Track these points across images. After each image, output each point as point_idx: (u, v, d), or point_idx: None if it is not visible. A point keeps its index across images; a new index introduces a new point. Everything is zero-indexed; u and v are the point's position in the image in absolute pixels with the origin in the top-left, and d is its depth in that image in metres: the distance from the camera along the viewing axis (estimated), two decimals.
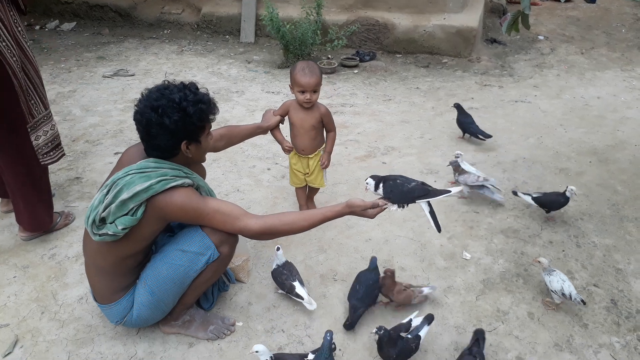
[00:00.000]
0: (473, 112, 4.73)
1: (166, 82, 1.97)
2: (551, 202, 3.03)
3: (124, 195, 1.78)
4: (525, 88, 5.45)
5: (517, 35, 7.00)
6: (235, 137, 2.65)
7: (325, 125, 2.86)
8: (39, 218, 2.79)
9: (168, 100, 1.85)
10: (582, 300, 2.31)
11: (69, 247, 2.80)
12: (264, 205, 3.23)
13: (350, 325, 2.27)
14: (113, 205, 1.80)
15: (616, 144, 4.16)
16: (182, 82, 1.96)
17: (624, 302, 2.49)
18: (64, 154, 2.86)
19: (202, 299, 2.34)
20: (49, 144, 2.69)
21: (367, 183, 2.22)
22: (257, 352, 1.94)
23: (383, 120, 4.57)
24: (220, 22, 7.14)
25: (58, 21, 7.53)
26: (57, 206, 3.14)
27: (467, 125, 4.14)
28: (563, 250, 2.85)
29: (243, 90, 5.17)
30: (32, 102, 2.55)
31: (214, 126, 2.17)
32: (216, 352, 2.17)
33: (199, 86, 2.00)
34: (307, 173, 2.95)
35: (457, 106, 4.21)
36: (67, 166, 3.64)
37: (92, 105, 4.76)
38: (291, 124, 2.83)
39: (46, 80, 5.34)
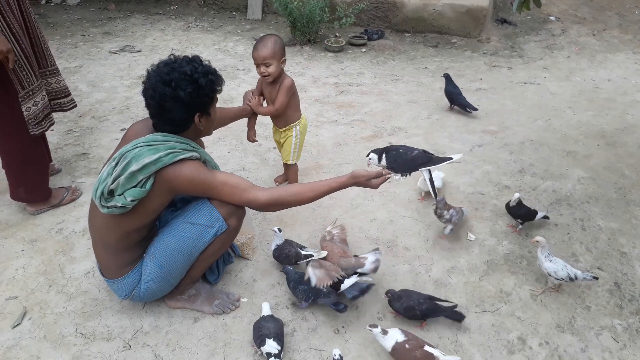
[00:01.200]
0: (481, 93, 4.70)
1: (172, 57, 1.97)
2: (526, 215, 2.80)
3: (133, 167, 1.79)
4: (534, 69, 5.38)
5: (528, 16, 6.89)
6: (223, 119, 2.64)
7: (277, 96, 2.76)
8: (34, 191, 2.82)
9: (180, 74, 1.87)
10: (594, 277, 2.31)
11: (76, 221, 2.83)
12: (269, 183, 3.23)
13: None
14: (122, 177, 1.81)
15: (625, 128, 4.12)
16: (186, 56, 1.97)
17: (627, 285, 2.50)
18: (53, 123, 2.88)
19: (208, 272, 2.37)
20: (40, 114, 2.70)
21: (369, 158, 2.25)
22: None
23: (390, 100, 4.54)
24: None
25: None
26: (64, 181, 3.17)
27: (455, 96, 4.21)
28: (568, 233, 2.85)
29: (249, 68, 5.14)
30: (24, 73, 2.55)
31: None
32: (221, 327, 2.20)
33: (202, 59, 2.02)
34: (280, 146, 3.05)
35: (447, 76, 4.23)
36: (74, 142, 3.66)
37: (98, 81, 4.74)
38: (263, 100, 2.88)
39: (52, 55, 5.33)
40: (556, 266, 2.33)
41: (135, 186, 1.81)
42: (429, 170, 2.27)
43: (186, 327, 2.20)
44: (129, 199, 1.81)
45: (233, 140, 3.74)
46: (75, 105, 3.15)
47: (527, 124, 4.15)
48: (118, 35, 6.09)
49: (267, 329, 2.03)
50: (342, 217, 2.93)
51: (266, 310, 2.15)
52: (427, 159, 2.21)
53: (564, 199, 3.14)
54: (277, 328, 2.04)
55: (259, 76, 2.74)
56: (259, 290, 2.40)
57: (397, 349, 1.95)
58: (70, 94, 3.07)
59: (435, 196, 2.35)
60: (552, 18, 6.96)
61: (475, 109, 4.16)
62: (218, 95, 2.04)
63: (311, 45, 5.90)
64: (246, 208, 2.11)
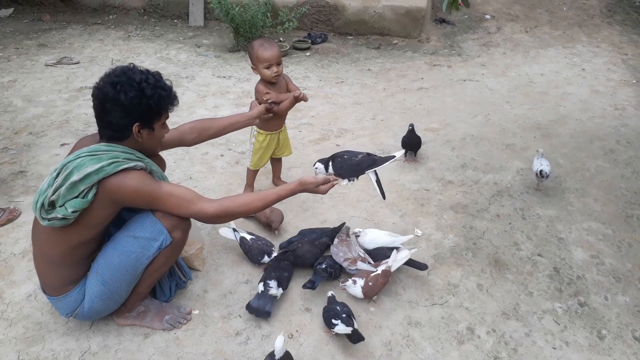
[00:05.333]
0: (422, 92, 4.83)
1: (131, 65, 1.95)
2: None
3: (75, 177, 1.75)
4: (473, 67, 5.58)
5: (465, 15, 7.13)
6: (208, 129, 2.52)
7: (290, 90, 2.89)
8: None
9: (128, 79, 1.85)
10: (542, 173, 3.10)
11: (14, 243, 2.71)
12: (218, 192, 3.21)
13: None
14: (63, 188, 1.76)
15: (558, 119, 4.33)
16: (147, 69, 1.95)
17: (565, 269, 2.63)
18: None
19: (159, 292, 2.31)
20: None
21: (316, 168, 2.30)
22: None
23: (336, 103, 4.60)
24: (167, 6, 6.96)
25: None
26: (0, 202, 3.03)
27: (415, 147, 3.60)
28: (510, 223, 2.97)
29: (193, 76, 5.08)
30: None
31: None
32: (172, 341, 2.16)
33: (164, 78, 2.00)
34: (277, 148, 3.04)
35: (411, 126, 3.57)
36: (10, 160, 3.50)
37: (34, 96, 4.56)
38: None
39: None
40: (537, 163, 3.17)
41: (76, 197, 1.77)
42: (375, 172, 2.31)
43: (136, 344, 2.15)
44: (70, 210, 1.76)
45: (179, 149, 3.68)
46: None
47: (467, 120, 4.30)
48: (54, 47, 5.88)
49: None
50: (293, 220, 2.95)
51: (279, 347, 1.89)
52: (371, 162, 2.26)
53: (505, 191, 3.28)
54: None
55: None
56: (211, 301, 2.38)
57: (367, 289, 2.26)
58: None
59: (383, 197, 2.39)
60: (488, 16, 7.24)
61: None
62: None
63: None
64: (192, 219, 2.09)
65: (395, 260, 2.38)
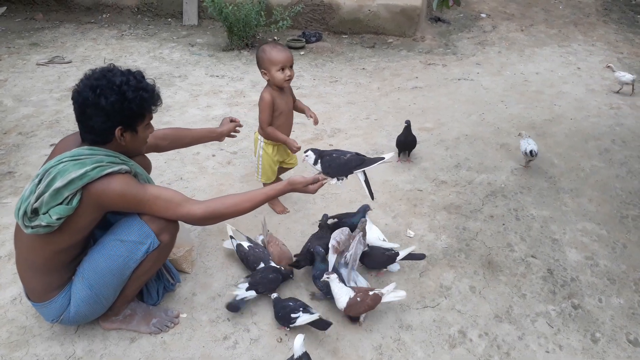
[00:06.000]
0: (417, 92, 4.80)
1: (111, 65, 1.89)
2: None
3: (58, 184, 1.70)
4: (468, 66, 5.55)
5: (461, 13, 7.10)
6: (182, 139, 2.55)
7: (299, 107, 2.92)
8: None
9: (108, 82, 1.79)
10: (532, 152, 3.30)
11: (0, 245, 2.67)
12: (208, 192, 3.17)
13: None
14: (46, 195, 1.71)
15: (553, 118, 4.30)
16: (128, 69, 1.90)
17: (559, 271, 2.60)
18: None
19: (146, 295, 2.27)
20: None
21: (306, 155, 2.27)
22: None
23: (330, 102, 4.56)
24: (161, 5, 6.90)
25: None
26: None
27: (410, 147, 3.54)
28: (503, 224, 2.94)
29: (186, 75, 5.03)
30: None
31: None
32: (159, 345, 2.13)
33: (147, 76, 1.94)
34: (284, 160, 2.96)
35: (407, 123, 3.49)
36: None
37: (25, 95, 4.52)
38: (277, 116, 2.75)
39: None
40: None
41: (60, 203, 1.72)
42: (364, 172, 2.29)
43: (122, 348, 2.11)
44: (54, 217, 1.72)
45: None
46: None
47: (462, 119, 4.26)
48: (46, 46, 5.83)
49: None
50: (285, 221, 2.91)
51: (298, 346, 1.87)
52: (359, 162, 2.23)
53: (499, 191, 3.24)
54: None
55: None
56: (199, 304, 2.34)
57: (350, 305, 2.12)
58: None
59: (372, 197, 2.36)
60: (483, 15, 7.21)
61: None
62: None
63: (249, 50, 5.85)
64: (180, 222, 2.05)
65: (389, 295, 2.21)
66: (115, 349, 2.10)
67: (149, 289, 2.26)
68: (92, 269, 1.93)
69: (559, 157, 3.68)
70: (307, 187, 2.08)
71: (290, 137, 2.83)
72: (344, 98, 4.66)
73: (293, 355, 1.89)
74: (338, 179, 2.23)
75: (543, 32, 6.71)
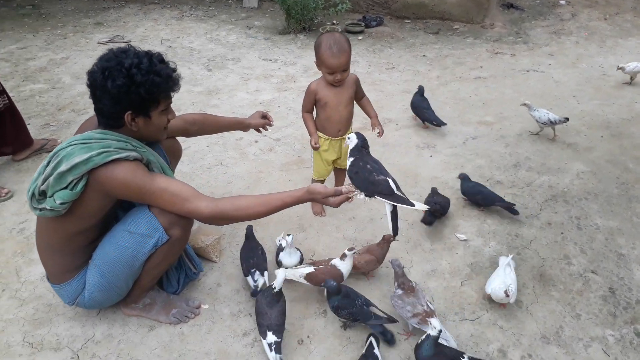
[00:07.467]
0: (479, 82, 4.48)
1: (128, 46, 1.80)
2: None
3: (62, 168, 1.64)
4: (539, 56, 5.13)
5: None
6: (209, 125, 2.47)
7: (356, 94, 2.61)
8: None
9: (117, 64, 1.68)
10: (566, 118, 3.32)
11: (34, 221, 2.69)
12: (246, 179, 3.07)
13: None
14: (51, 178, 1.66)
15: (632, 118, 3.87)
16: (146, 51, 1.78)
17: (623, 290, 2.29)
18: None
19: (166, 283, 2.20)
20: None
21: (349, 138, 2.01)
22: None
23: (383, 90, 4.34)
24: None
25: None
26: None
27: (420, 111, 3.66)
28: (562, 233, 2.64)
29: (239, 58, 4.97)
30: None
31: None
32: (177, 336, 2.05)
33: (167, 59, 1.82)
34: (339, 157, 2.68)
35: (420, 88, 3.72)
36: (49, 136, 3.53)
37: (83, 73, 4.55)
38: (322, 106, 2.53)
39: (40, 46, 5.23)
40: (539, 114, 3.41)
41: (65, 188, 1.66)
42: (394, 206, 1.93)
43: (140, 336, 2.06)
44: (58, 202, 1.66)
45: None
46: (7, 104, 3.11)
47: (526, 114, 3.91)
48: (110, 26, 5.96)
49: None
50: (320, 216, 2.76)
51: (280, 280, 1.96)
52: (387, 191, 1.89)
53: (560, 195, 2.93)
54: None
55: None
56: (222, 296, 2.25)
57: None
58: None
59: (394, 233, 1.97)
60: (562, 2, 6.67)
61: (444, 124, 3.58)
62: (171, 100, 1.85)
63: (306, 34, 5.70)
64: None
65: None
66: (134, 335, 2.06)
67: (169, 277, 2.19)
68: (103, 257, 1.88)
69: (635, 161, 3.28)
70: (327, 199, 1.83)
71: (345, 133, 2.59)
72: (399, 86, 4.42)
73: (273, 285, 1.94)
74: (366, 195, 1.90)
75: (630, 22, 6.10)
